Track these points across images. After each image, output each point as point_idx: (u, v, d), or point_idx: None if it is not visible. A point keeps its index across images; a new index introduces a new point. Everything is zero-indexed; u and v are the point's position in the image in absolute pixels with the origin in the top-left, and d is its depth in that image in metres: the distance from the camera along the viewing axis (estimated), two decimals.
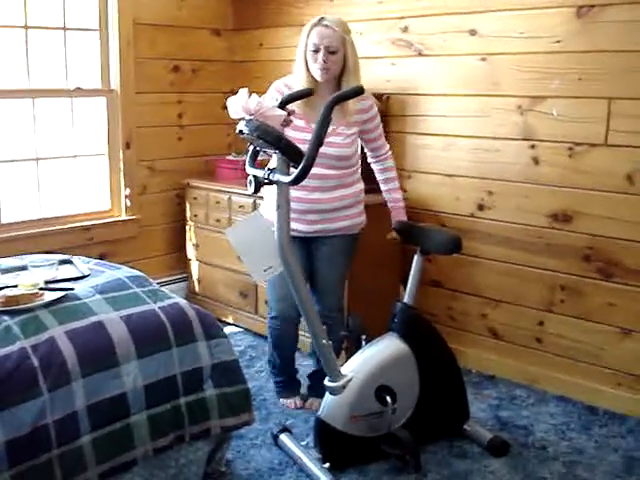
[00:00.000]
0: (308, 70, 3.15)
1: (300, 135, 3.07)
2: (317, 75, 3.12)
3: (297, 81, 3.18)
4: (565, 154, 3.47)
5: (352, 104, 3.13)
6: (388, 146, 3.39)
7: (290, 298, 3.04)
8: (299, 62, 3.18)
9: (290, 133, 2.99)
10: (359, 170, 3.33)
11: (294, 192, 3.11)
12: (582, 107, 3.38)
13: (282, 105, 2.88)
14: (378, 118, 3.31)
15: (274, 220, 2.69)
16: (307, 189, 3.13)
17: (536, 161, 3.57)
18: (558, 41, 3.41)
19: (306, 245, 3.32)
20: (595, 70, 3.31)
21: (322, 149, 3.06)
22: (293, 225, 3.18)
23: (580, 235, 3.48)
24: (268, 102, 2.69)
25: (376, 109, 3.30)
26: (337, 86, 3.17)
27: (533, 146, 3.57)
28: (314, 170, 2.80)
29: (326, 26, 3.08)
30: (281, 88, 3.20)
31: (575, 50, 3.37)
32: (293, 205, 3.14)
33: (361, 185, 3.34)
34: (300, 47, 3.17)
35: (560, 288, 3.59)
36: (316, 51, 3.09)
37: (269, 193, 3.27)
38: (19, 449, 2.11)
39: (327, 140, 3.11)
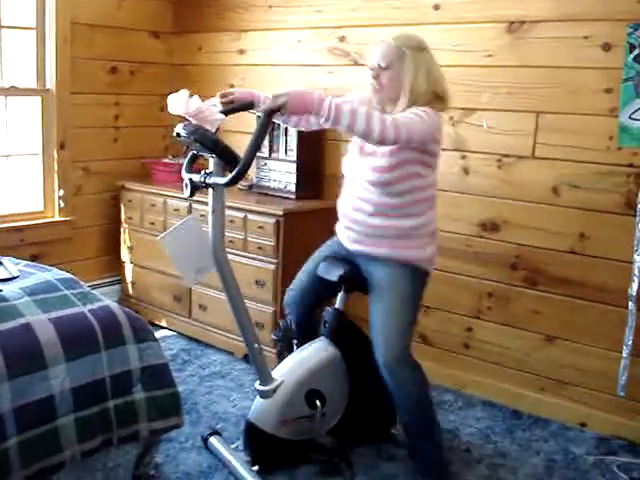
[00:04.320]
0: None
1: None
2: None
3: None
4: (494, 165, 3.56)
5: None
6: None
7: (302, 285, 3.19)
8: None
9: None
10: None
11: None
12: (511, 120, 3.48)
13: (225, 114, 2.87)
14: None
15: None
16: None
17: (466, 171, 3.66)
18: (489, 55, 3.51)
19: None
20: (524, 84, 3.42)
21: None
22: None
23: (507, 244, 3.58)
24: (208, 106, 2.70)
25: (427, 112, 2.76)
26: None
27: (464, 157, 3.66)
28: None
29: (381, 41, 2.81)
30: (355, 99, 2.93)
31: (505, 64, 3.47)
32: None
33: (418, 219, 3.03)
34: None
35: (488, 295, 3.69)
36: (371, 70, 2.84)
37: None
38: None
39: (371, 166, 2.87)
